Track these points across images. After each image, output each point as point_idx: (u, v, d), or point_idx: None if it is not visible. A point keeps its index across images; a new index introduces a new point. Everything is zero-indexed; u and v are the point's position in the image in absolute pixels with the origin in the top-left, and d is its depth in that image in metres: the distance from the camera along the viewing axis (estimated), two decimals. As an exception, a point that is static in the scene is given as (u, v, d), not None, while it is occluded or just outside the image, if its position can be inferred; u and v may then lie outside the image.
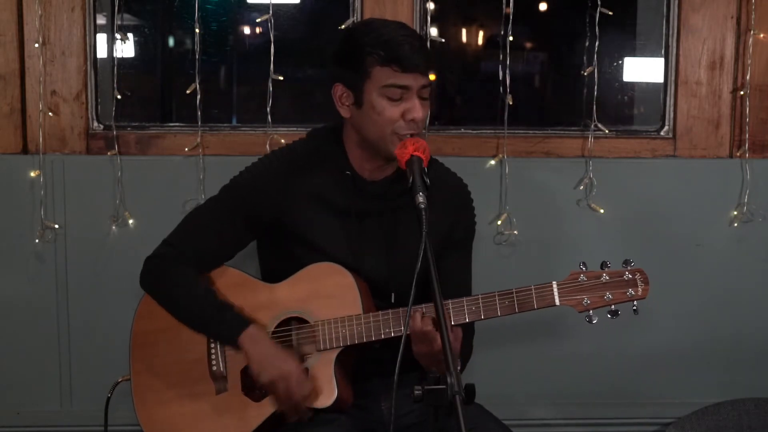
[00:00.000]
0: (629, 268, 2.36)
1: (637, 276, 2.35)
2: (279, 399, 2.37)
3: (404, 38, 2.35)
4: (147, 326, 2.52)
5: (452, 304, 2.34)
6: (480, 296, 2.35)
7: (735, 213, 3.17)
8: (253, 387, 2.42)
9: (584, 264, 2.36)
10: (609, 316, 2.36)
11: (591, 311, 2.34)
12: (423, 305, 2.30)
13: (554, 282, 2.35)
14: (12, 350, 3.12)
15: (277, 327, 2.45)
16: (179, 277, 2.47)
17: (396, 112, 2.34)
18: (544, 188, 3.16)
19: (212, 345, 2.46)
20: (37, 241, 3.06)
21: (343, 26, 3.07)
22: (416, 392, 1.81)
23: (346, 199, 2.45)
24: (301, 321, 2.44)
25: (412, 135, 2.34)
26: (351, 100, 2.39)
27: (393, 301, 2.46)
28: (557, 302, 2.34)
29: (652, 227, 3.18)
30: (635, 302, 2.35)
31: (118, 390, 2.70)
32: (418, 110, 2.34)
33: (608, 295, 2.34)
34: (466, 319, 2.35)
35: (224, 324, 2.42)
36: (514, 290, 2.34)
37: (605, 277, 2.35)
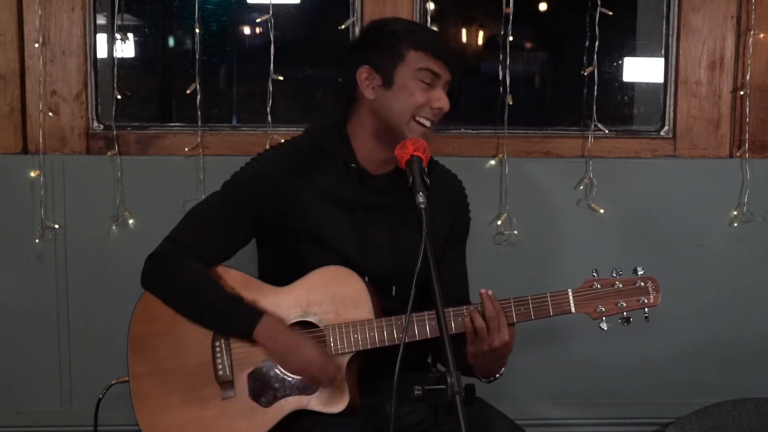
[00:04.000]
0: (640, 275, 2.38)
1: (649, 284, 2.38)
2: (311, 381, 2.37)
3: (436, 33, 2.56)
4: (146, 329, 2.46)
5: (467, 311, 2.34)
6: None
7: (735, 213, 3.17)
8: (260, 392, 2.39)
9: (596, 271, 2.38)
10: (621, 322, 2.37)
11: (604, 318, 2.36)
12: (478, 304, 2.31)
13: (570, 290, 2.36)
14: (12, 350, 3.12)
15: None
16: (187, 271, 2.42)
17: (424, 97, 2.41)
18: (544, 188, 3.15)
19: (217, 349, 2.41)
20: (37, 241, 3.06)
21: (342, 26, 3.07)
22: (416, 392, 1.81)
23: (351, 192, 2.45)
24: (309, 325, 2.41)
25: (430, 124, 2.42)
26: (379, 81, 2.42)
27: (393, 294, 2.46)
28: (573, 310, 2.36)
29: (652, 227, 3.17)
30: (646, 309, 2.37)
31: (112, 392, 2.69)
32: (445, 101, 2.42)
33: (622, 302, 2.36)
34: None
35: (237, 318, 2.38)
36: (529, 297, 2.35)
37: (618, 284, 2.37)
